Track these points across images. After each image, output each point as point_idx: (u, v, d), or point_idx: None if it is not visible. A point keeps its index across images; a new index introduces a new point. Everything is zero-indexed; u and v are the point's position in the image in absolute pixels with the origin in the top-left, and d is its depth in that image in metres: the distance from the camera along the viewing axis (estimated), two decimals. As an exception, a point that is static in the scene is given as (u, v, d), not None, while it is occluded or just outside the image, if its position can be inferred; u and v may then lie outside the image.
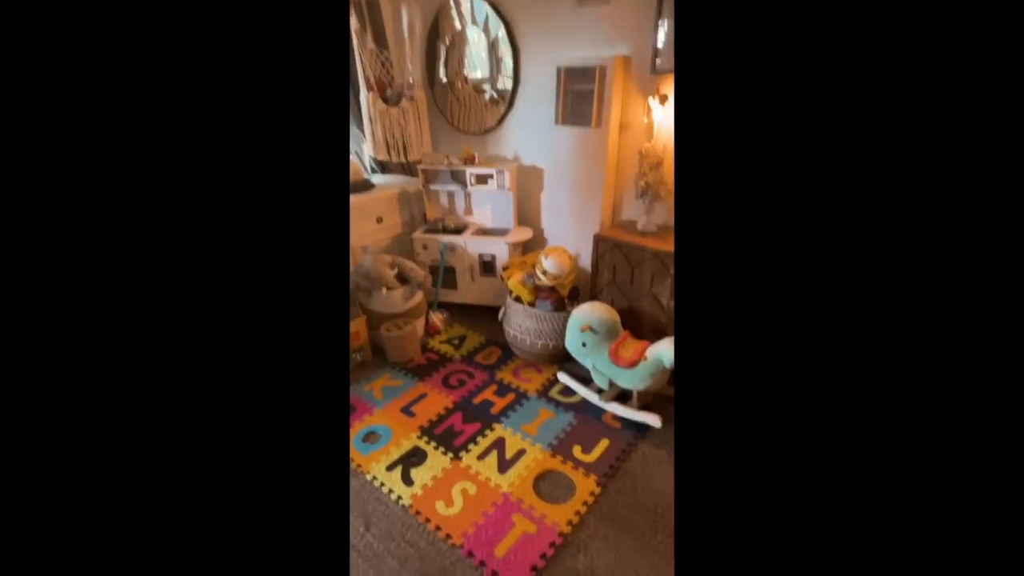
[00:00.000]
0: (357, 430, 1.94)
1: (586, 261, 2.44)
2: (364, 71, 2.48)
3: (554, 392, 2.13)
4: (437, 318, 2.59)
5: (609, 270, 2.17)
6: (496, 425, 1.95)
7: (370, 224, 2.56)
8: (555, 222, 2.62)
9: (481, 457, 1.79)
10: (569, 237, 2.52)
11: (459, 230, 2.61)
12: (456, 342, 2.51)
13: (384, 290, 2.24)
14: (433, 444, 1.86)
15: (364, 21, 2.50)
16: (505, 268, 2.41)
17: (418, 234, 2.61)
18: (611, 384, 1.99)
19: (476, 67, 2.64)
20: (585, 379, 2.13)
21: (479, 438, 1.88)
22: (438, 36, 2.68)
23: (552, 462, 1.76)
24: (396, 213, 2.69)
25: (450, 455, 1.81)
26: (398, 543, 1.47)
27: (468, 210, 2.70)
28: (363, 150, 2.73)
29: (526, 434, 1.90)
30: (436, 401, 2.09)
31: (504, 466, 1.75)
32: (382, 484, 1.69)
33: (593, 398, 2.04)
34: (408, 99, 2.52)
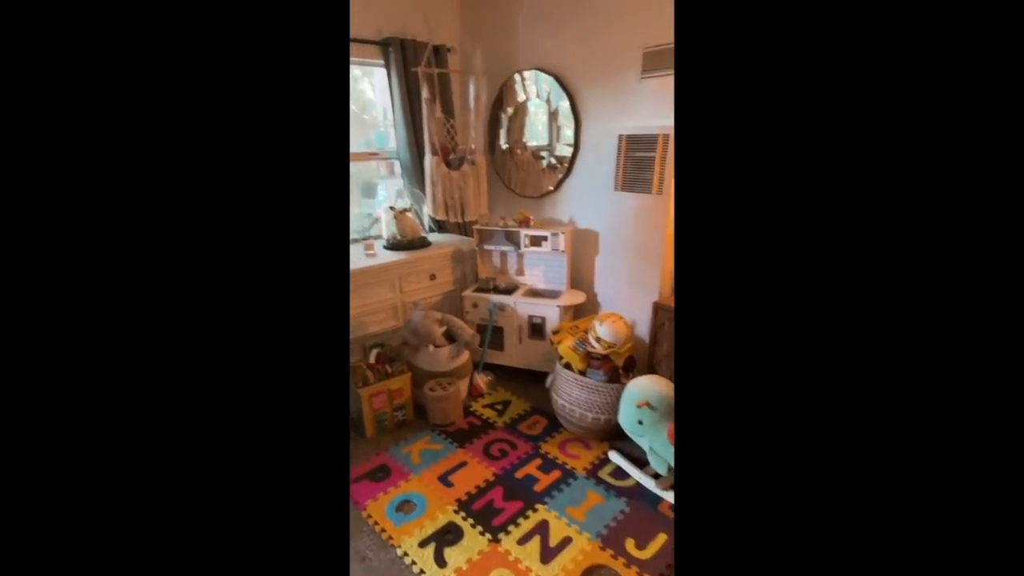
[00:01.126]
0: (392, 497, 1.82)
1: (643, 330, 2.31)
2: (431, 137, 2.61)
3: (605, 473, 1.93)
4: (482, 380, 2.49)
5: (669, 341, 2.03)
6: (539, 506, 1.77)
7: (423, 280, 2.58)
8: (610, 287, 2.53)
9: (522, 542, 1.61)
10: (625, 304, 2.42)
11: (510, 290, 2.57)
12: (500, 407, 2.39)
13: (431, 347, 2.20)
14: (471, 521, 1.70)
15: (434, 92, 2.67)
16: (555, 332, 2.32)
17: (469, 292, 2.59)
18: (670, 469, 1.78)
19: (536, 135, 2.72)
20: (640, 461, 1.93)
21: (520, 519, 1.71)
22: (501, 106, 2.81)
23: (601, 556, 1.56)
24: (449, 271, 2.70)
25: (488, 536, 1.64)
26: (425, 638, 1.30)
27: (520, 271, 2.67)
28: (423, 209, 2.82)
29: (572, 519, 1.70)
30: (476, 471, 1.94)
31: (547, 555, 1.56)
32: (413, 562, 1.54)
33: (649, 484, 1.83)
34: (469, 163, 2.61)
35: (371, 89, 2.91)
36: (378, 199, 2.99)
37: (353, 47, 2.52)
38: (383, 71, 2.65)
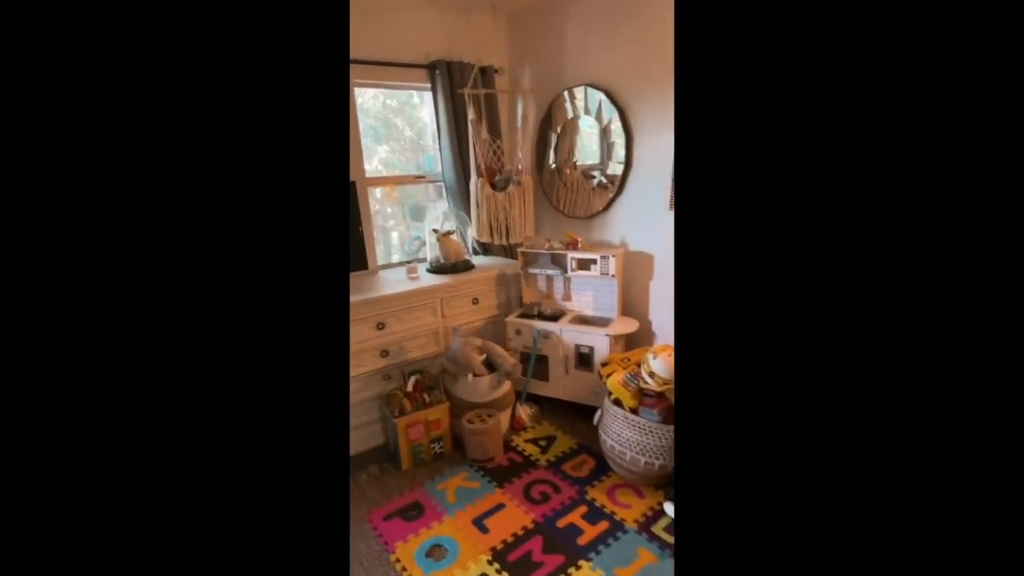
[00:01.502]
0: (423, 539, 1.70)
1: (702, 364, 2.07)
2: (476, 158, 2.55)
3: (659, 527, 1.71)
4: (524, 412, 2.34)
5: (734, 379, 1.80)
6: (583, 563, 1.58)
7: (465, 305, 2.49)
8: (666, 316, 2.31)
9: (561, 606, 1.43)
10: (681, 334, 2.19)
11: (556, 317, 2.42)
12: (543, 443, 2.22)
13: (470, 376, 2.08)
14: (505, 574, 1.54)
15: (481, 113, 2.62)
16: (604, 364, 2.13)
17: (512, 318, 2.46)
18: (737, 531, 1.54)
19: (587, 153, 2.59)
20: (700, 516, 1.69)
21: (561, 577, 1.52)
22: (550, 125, 2.71)
23: (654, 633, 1.34)
24: (493, 295, 2.60)
25: (523, 595, 1.47)
26: None
27: (567, 296, 2.52)
28: (467, 232, 2.75)
29: (621, 583, 1.50)
30: (514, 516, 1.78)
31: (590, 626, 1.37)
32: (439, 620, 1.40)
33: (711, 545, 1.59)
34: (515, 184, 2.52)
35: (428, 115, 2.93)
36: (427, 222, 2.97)
37: (400, 71, 2.53)
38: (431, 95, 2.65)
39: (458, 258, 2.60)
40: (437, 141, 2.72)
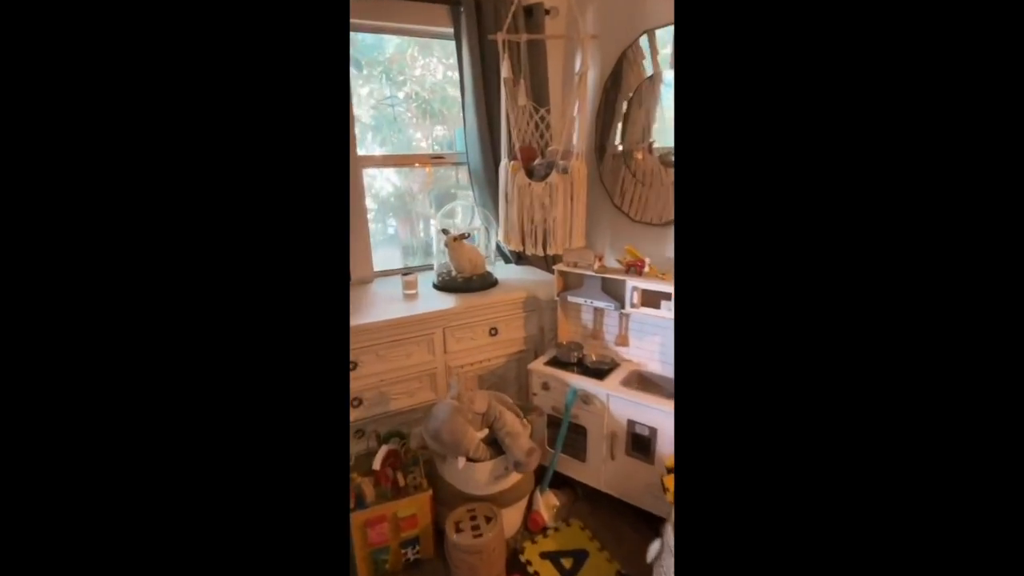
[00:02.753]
0: None
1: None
2: (509, 134, 1.82)
3: None
4: (546, 505, 1.62)
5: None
6: None
7: (478, 336, 1.79)
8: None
9: None
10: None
11: (603, 370, 1.65)
12: (567, 562, 1.49)
13: (461, 461, 1.39)
14: None
15: (519, 68, 1.87)
16: (672, 469, 1.34)
17: (539, 365, 1.73)
18: None
19: (669, 132, 1.77)
20: None
21: None
22: (618, 88, 1.91)
23: None
24: (519, 325, 1.88)
25: None
26: None
27: (623, 340, 1.73)
28: (493, 234, 2.03)
29: None
30: None
31: None
32: None
33: None
34: (561, 172, 1.76)
35: (445, 68, 2.22)
36: (439, 219, 2.29)
37: (416, 9, 1.83)
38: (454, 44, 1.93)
39: (475, 271, 1.90)
40: (462, 108, 2.01)
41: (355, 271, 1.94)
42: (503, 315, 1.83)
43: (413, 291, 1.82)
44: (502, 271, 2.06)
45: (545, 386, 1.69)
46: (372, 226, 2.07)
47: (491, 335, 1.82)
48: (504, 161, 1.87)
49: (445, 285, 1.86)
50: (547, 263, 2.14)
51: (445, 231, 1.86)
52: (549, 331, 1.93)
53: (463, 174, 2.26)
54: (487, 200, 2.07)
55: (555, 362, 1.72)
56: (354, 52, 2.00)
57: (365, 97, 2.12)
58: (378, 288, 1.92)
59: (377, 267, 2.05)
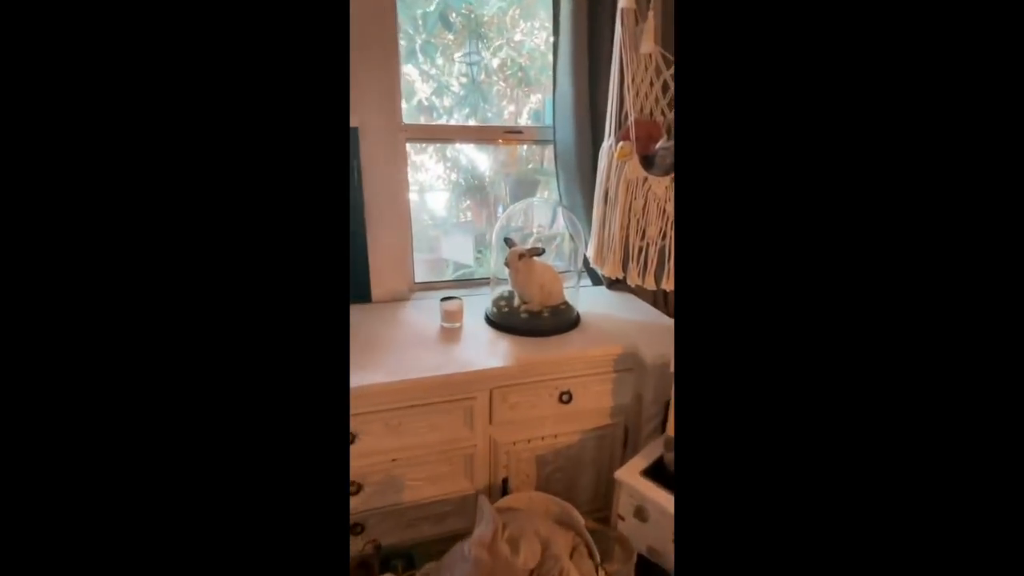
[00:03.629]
0: None
1: None
2: (622, 99, 1.17)
3: None
4: None
5: None
6: None
7: (544, 402, 1.19)
8: None
9: None
10: None
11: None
12: None
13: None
14: None
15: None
16: None
17: (632, 475, 1.08)
18: None
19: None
20: None
21: None
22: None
23: None
24: (605, 391, 1.24)
25: None
26: None
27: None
28: (578, 245, 1.40)
29: None
30: None
31: None
32: None
33: None
34: (699, 160, 1.08)
35: (548, 34, 1.61)
36: (528, 220, 1.70)
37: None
38: (548, -42, 1.30)
39: (547, 301, 1.29)
40: (553, 59, 1.38)
41: (385, 285, 1.42)
42: (583, 375, 1.20)
43: (455, 324, 1.26)
44: (587, 299, 1.42)
45: (640, 513, 1.05)
46: (445, 212, 1.56)
47: (562, 402, 1.21)
48: (608, 141, 1.22)
49: (503, 320, 1.27)
50: (663, 302, 1.47)
51: (509, 241, 1.26)
52: (651, 404, 1.27)
53: (550, 157, 1.64)
54: (576, 196, 1.43)
55: (659, 473, 1.07)
56: (446, 9, 1.49)
57: (457, 61, 1.63)
58: (413, 311, 1.38)
59: (446, 254, 1.54)
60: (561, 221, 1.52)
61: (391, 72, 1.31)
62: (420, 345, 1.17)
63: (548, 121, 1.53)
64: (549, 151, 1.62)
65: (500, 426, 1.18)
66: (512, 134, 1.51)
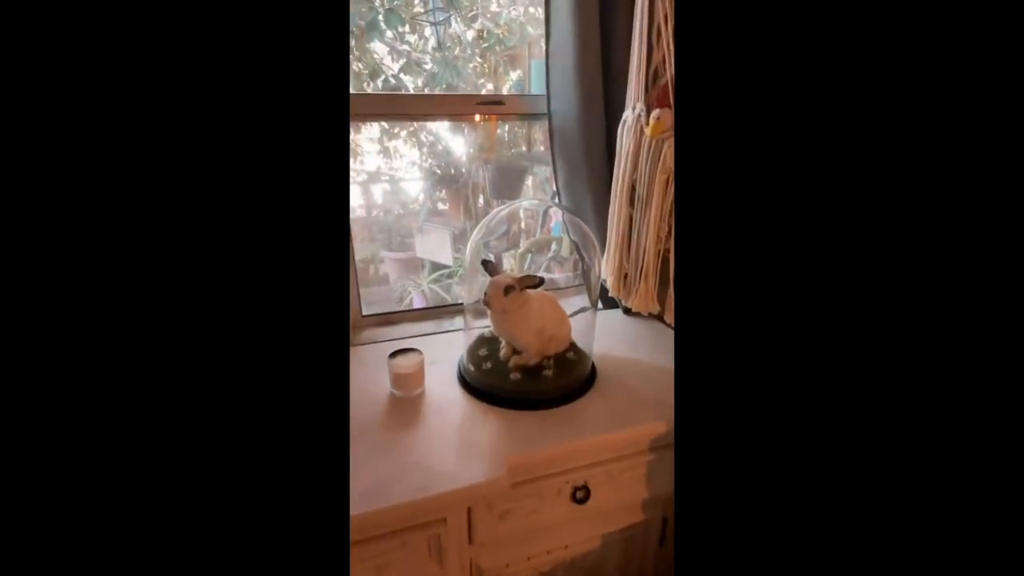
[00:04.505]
0: None
1: None
2: (650, 49, 0.75)
3: None
4: None
5: None
6: None
7: (551, 504, 0.80)
8: None
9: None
10: None
11: None
12: None
13: None
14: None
15: None
16: None
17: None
18: None
19: None
20: None
21: None
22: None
23: None
24: (638, 480, 0.85)
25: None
26: None
27: None
28: (590, 260, 0.98)
29: None
30: None
31: None
32: None
33: None
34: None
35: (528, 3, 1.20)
36: (517, 229, 1.30)
37: None
38: None
39: (549, 348, 0.88)
40: (545, 22, 0.95)
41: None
42: (605, 461, 0.81)
43: (413, 391, 0.84)
44: (602, 334, 1.01)
45: None
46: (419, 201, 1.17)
47: (576, 500, 0.81)
48: (633, 110, 0.81)
49: (484, 383, 0.86)
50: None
51: (489, 266, 0.83)
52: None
53: (541, 138, 1.22)
54: (581, 193, 1.02)
55: None
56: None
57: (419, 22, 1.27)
58: (354, 365, 0.95)
59: (420, 252, 1.15)
60: (555, 223, 1.12)
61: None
62: (357, 434, 0.76)
63: (538, 90, 1.11)
64: (540, 131, 1.21)
65: (486, 547, 0.78)
66: (490, 106, 1.08)
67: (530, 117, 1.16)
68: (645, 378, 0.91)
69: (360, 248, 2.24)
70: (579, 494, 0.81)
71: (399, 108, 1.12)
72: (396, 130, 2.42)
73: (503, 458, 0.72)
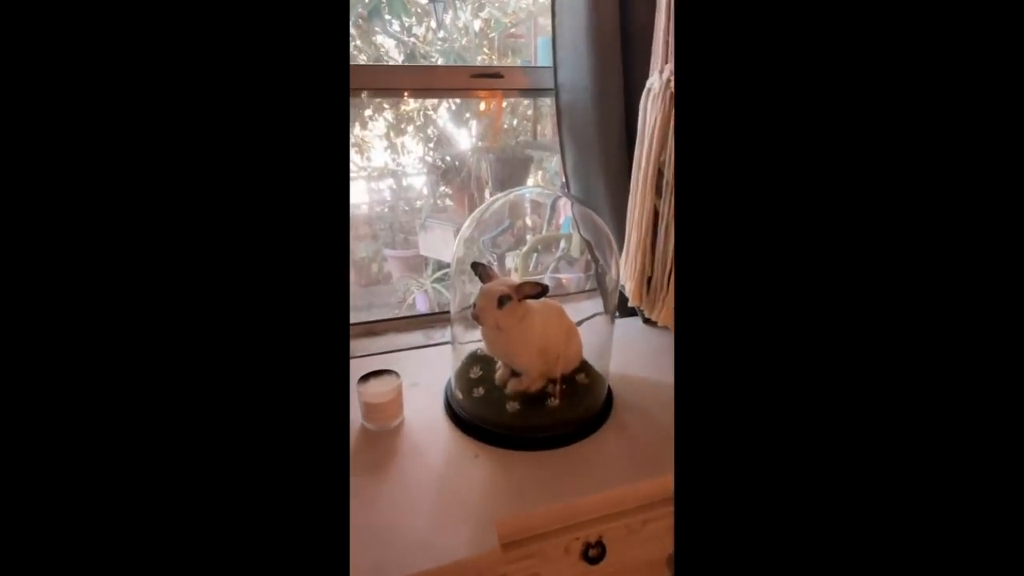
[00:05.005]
0: None
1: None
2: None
3: None
4: None
5: None
6: None
7: (558, 568, 0.63)
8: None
9: None
10: None
11: None
12: None
13: None
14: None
15: None
16: None
17: None
18: None
19: None
20: None
21: None
22: None
23: None
24: (663, 531, 0.68)
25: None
26: None
27: None
28: (606, 260, 0.81)
29: None
30: None
31: None
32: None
33: None
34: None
35: None
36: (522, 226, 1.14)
37: None
38: None
39: (556, 369, 0.71)
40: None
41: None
42: (623, 512, 0.65)
43: (389, 424, 0.69)
44: (618, 348, 0.83)
45: None
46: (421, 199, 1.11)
47: (588, 560, 0.65)
48: (658, 75, 0.64)
49: (475, 414, 0.70)
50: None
51: (480, 270, 0.67)
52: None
53: (549, 126, 1.06)
54: (594, 179, 0.85)
55: None
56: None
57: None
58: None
59: (423, 250, 1.13)
60: (564, 219, 0.95)
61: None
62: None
63: (544, 62, 0.95)
64: (550, 117, 1.04)
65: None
66: (487, 79, 0.92)
67: (533, 93, 1.00)
68: (667, 400, 0.74)
69: (363, 246, 2.14)
70: (592, 552, 0.65)
71: (388, 81, 0.97)
72: (403, 125, 2.28)
73: (493, 516, 0.56)
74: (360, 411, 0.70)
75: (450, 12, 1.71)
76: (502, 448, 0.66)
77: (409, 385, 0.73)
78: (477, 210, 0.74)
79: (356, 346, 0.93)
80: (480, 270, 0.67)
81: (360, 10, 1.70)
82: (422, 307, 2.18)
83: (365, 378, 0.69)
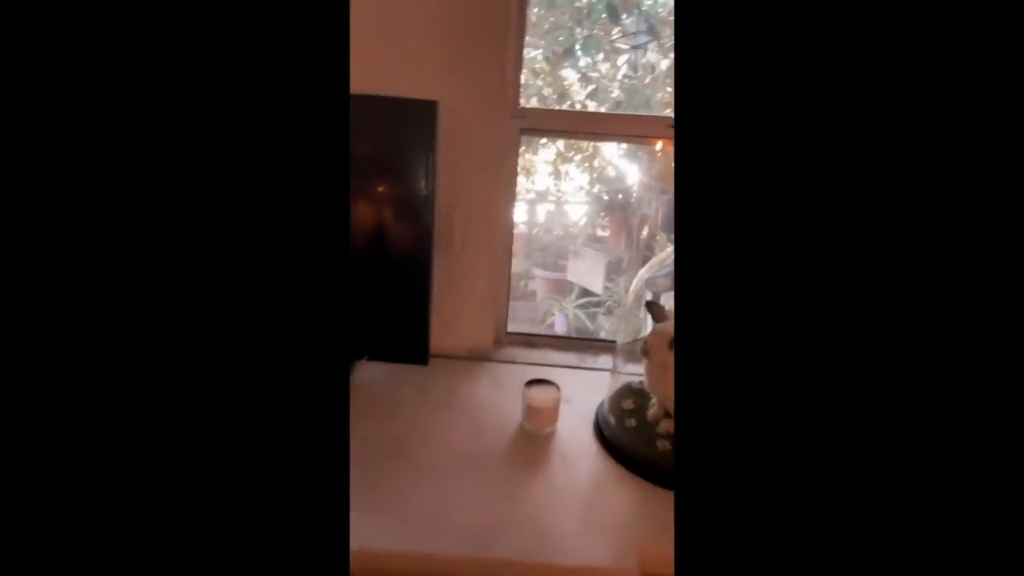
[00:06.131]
0: None
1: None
2: None
3: None
4: None
5: None
6: None
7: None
8: None
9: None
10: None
11: None
12: None
13: None
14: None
15: None
16: None
17: None
18: None
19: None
20: None
21: None
22: None
23: None
24: None
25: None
26: None
27: None
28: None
29: None
30: None
31: None
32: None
33: None
34: None
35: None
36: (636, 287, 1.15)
37: None
38: None
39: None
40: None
41: (460, 333, 0.98)
42: None
43: (545, 429, 0.76)
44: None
45: None
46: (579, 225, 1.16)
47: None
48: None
49: (623, 442, 0.74)
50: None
51: (655, 308, 0.71)
52: None
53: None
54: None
55: None
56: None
57: (618, 43, 1.32)
58: (488, 385, 0.91)
59: (571, 276, 1.12)
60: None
61: (498, 23, 0.86)
62: (478, 463, 0.70)
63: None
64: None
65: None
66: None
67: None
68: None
69: (516, 263, 2.30)
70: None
71: (572, 124, 1.08)
72: (571, 154, 2.40)
73: (634, 542, 0.59)
74: (521, 412, 0.78)
75: (644, 58, 1.78)
76: (648, 481, 0.68)
77: (563, 400, 0.80)
78: (661, 254, 0.78)
79: (516, 354, 1.03)
80: (655, 309, 0.71)
81: (556, 48, 1.86)
82: (560, 329, 2.26)
83: (530, 384, 0.78)
